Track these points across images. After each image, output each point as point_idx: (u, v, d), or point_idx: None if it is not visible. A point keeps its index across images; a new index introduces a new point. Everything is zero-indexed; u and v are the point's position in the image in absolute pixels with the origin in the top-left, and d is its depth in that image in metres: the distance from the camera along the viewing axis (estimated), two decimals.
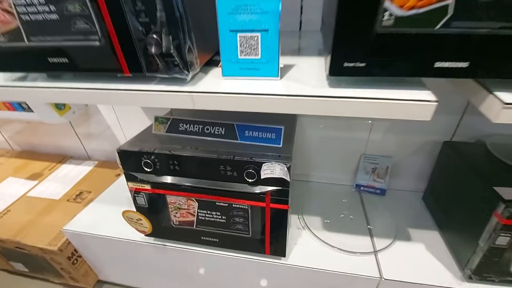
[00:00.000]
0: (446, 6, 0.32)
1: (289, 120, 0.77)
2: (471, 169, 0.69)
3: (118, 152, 0.65)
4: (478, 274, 0.65)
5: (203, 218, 0.70)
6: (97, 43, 0.45)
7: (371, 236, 0.81)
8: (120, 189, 1.04)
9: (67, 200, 1.04)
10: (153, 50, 0.42)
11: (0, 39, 0.48)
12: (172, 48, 0.42)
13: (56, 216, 0.97)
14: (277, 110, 0.44)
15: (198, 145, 0.64)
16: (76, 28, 0.44)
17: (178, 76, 0.46)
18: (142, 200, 0.71)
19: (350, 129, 0.93)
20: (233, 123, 0.65)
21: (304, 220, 0.87)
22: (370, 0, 0.34)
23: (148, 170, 0.64)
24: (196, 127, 0.67)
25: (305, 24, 0.76)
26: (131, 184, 0.69)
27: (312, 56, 0.59)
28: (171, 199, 0.69)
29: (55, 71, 0.52)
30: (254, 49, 0.45)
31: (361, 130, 0.92)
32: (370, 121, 0.90)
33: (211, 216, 0.69)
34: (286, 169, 0.57)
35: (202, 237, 0.74)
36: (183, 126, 0.68)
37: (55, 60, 0.48)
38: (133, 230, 0.77)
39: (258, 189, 0.61)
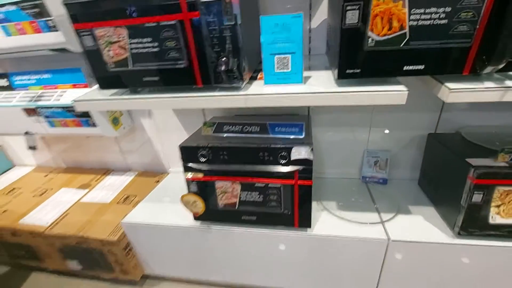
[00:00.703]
0: (405, 33, 0.56)
1: (306, 121, 0.98)
2: (450, 151, 0.89)
3: (180, 148, 0.85)
4: (465, 230, 0.83)
5: (244, 199, 0.88)
6: (182, 66, 0.67)
7: (378, 212, 0.99)
8: (162, 191, 1.23)
9: (117, 203, 1.22)
10: (222, 68, 0.64)
11: (112, 66, 0.71)
12: (234, 66, 0.65)
13: (110, 216, 1.15)
14: (303, 103, 0.66)
15: (241, 140, 0.85)
16: (169, 56, 0.67)
17: (235, 85, 0.68)
18: (195, 188, 0.90)
19: (353, 131, 1.14)
20: (265, 122, 0.86)
21: (322, 204, 1.05)
22: (359, 32, 0.57)
23: (203, 160, 0.84)
24: (237, 127, 0.88)
25: (313, 49, 1.01)
26: (187, 175, 0.88)
27: (322, 70, 0.82)
28: (218, 184, 0.88)
29: (147, 87, 0.75)
30: (286, 65, 0.68)
31: (362, 131, 1.13)
32: (369, 127, 1.12)
33: (251, 196, 0.87)
34: (309, 150, 0.77)
35: (242, 217, 0.92)
36: (226, 127, 0.89)
37: (149, 78, 0.71)
38: (183, 217, 0.95)
39: (288, 169, 0.81)
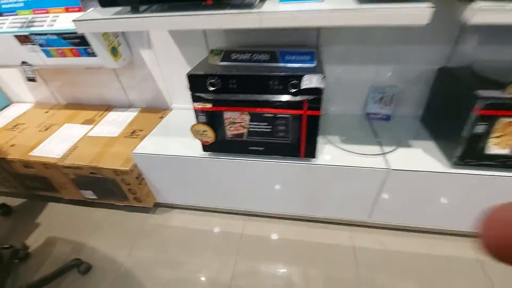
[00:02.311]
0: None
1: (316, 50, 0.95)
2: (458, 84, 0.89)
3: (188, 76, 0.83)
4: (461, 160, 0.88)
5: (253, 129, 0.90)
6: None
7: (380, 145, 1.03)
8: (168, 126, 1.24)
9: (125, 137, 1.24)
10: None
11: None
12: None
13: (120, 147, 1.18)
14: (323, 22, 0.62)
15: (250, 69, 0.82)
16: None
17: (248, 1, 0.63)
18: (203, 118, 0.91)
19: (360, 66, 1.11)
20: (275, 50, 0.83)
21: (326, 138, 1.08)
22: None
23: (212, 89, 0.83)
24: (246, 55, 0.85)
25: None
26: (196, 105, 0.88)
27: None
28: (227, 115, 0.89)
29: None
30: None
31: (369, 67, 1.10)
32: (376, 63, 1.08)
33: (259, 127, 0.89)
34: (321, 79, 0.76)
35: (250, 147, 0.95)
36: (234, 55, 0.86)
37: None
38: (192, 148, 0.98)
39: (298, 98, 0.81)
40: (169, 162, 1.07)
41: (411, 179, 0.93)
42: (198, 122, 0.92)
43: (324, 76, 0.76)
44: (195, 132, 0.93)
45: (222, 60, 0.87)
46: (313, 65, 0.81)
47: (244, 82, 0.81)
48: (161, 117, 1.34)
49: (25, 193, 1.43)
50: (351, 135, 1.10)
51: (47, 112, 1.49)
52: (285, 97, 0.82)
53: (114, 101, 1.47)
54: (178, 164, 1.07)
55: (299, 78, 0.77)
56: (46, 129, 1.35)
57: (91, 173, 1.14)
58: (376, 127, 1.15)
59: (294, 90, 0.79)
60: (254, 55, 0.85)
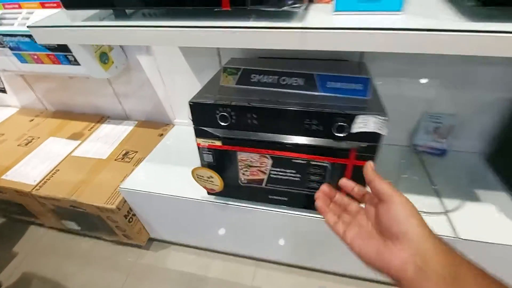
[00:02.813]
0: None
1: (365, 72, 0.70)
2: None
3: (190, 105, 0.60)
4: None
5: (275, 176, 0.67)
6: None
7: (438, 195, 0.79)
8: (168, 149, 1.02)
9: (115, 160, 1.03)
10: None
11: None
12: None
13: (107, 175, 0.97)
14: (410, 48, 0.38)
15: (276, 97, 0.59)
16: None
17: (288, 9, 0.39)
18: (210, 157, 0.68)
19: (413, 83, 0.86)
20: (312, 72, 0.59)
21: None
22: None
23: (224, 124, 0.60)
24: (271, 78, 0.62)
25: None
26: (201, 140, 0.65)
27: None
28: (242, 156, 0.66)
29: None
30: None
31: (425, 85, 0.85)
32: (434, 83, 0.83)
33: (285, 174, 0.66)
34: (381, 122, 0.52)
35: (269, 196, 0.73)
36: (255, 77, 0.63)
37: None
38: (194, 185, 0.76)
39: (344, 145, 0.57)
40: (165, 202, 0.85)
41: (487, 253, 0.69)
42: (202, 163, 0.69)
43: (387, 119, 0.52)
44: (197, 179, 0.70)
45: (238, 83, 0.64)
46: (367, 97, 0.57)
47: (268, 117, 0.58)
48: (161, 135, 1.12)
49: (3, 214, 1.24)
50: (398, 177, 0.86)
51: (31, 120, 1.29)
52: (324, 141, 0.58)
53: (108, 111, 1.26)
54: (176, 206, 0.85)
55: (349, 117, 0.54)
56: (27, 144, 1.14)
57: (71, 206, 0.94)
58: (429, 165, 0.90)
59: (341, 134, 0.55)
60: (283, 78, 0.61)
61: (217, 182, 0.69)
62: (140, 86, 1.10)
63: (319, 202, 0.40)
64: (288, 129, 0.59)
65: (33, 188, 0.95)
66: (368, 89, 0.57)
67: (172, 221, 0.95)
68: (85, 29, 0.46)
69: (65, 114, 1.30)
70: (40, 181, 0.97)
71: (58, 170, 1.01)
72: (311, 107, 0.55)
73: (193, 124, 0.63)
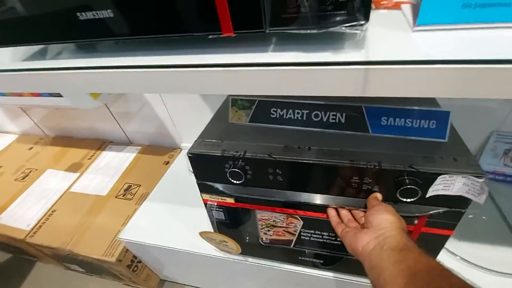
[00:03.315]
0: None
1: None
2: None
3: (190, 157, 0.45)
4: None
5: (307, 238, 0.51)
6: None
7: None
8: (174, 182, 0.88)
9: (116, 197, 0.89)
10: None
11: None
12: None
13: (107, 217, 0.84)
14: None
15: (307, 142, 0.42)
16: None
17: (342, 29, 0.22)
18: (220, 215, 0.52)
19: (478, 102, 0.66)
20: (360, 104, 0.42)
21: None
22: None
23: (237, 182, 0.44)
24: (298, 113, 0.45)
25: None
26: (207, 196, 0.50)
27: None
28: (263, 215, 0.49)
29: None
30: None
31: (493, 103, 0.65)
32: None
33: (320, 237, 0.49)
34: (475, 184, 0.34)
35: (299, 257, 0.56)
36: (276, 111, 0.46)
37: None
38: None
39: (411, 210, 0.39)
40: (173, 256, 0.71)
41: None
42: (211, 221, 0.54)
43: (484, 181, 0.34)
44: (207, 240, 0.55)
45: (252, 120, 0.47)
46: (444, 140, 0.39)
47: (298, 173, 0.41)
48: (167, 163, 0.98)
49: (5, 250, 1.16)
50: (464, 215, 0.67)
51: (30, 148, 1.19)
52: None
53: (109, 135, 1.13)
54: (187, 259, 0.71)
55: (422, 177, 0.36)
56: (24, 178, 1.04)
57: (68, 254, 0.82)
58: (500, 197, 0.70)
59: (409, 200, 0.38)
60: (316, 113, 0.44)
61: (233, 247, 0.53)
62: (139, 107, 0.96)
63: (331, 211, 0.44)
64: (326, 189, 0.42)
65: (27, 235, 0.84)
66: (446, 128, 0.39)
67: (184, 269, 0.81)
68: (22, 74, 0.31)
69: (65, 140, 1.19)
70: (35, 226, 0.85)
71: (55, 210, 0.89)
72: (360, 159, 0.38)
73: (196, 179, 0.48)
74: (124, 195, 0.90)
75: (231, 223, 0.53)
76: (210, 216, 0.54)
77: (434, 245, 0.44)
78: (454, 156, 0.37)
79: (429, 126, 0.39)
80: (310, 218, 0.46)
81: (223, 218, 0.53)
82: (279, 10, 0.22)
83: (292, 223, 0.49)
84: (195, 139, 0.49)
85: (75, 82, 0.31)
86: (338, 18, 0.21)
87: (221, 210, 0.51)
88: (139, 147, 1.07)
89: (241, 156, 0.42)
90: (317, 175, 0.40)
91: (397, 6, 0.28)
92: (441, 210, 0.38)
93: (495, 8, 0.22)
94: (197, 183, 0.48)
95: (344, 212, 0.43)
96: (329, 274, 0.58)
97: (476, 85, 0.22)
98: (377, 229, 0.34)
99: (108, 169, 1.00)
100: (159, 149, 1.04)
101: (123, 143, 1.12)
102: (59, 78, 0.32)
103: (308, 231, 0.49)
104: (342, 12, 0.21)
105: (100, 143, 1.13)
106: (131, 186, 0.92)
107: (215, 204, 0.50)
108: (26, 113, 1.16)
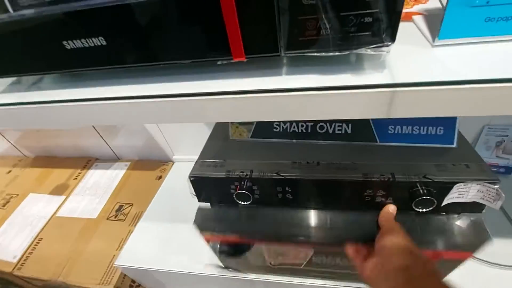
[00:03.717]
0: None
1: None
2: None
3: (192, 180, 0.42)
4: None
5: (319, 262, 0.49)
6: None
7: None
8: (169, 198, 0.84)
9: (107, 219, 0.85)
10: None
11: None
12: None
13: (100, 242, 0.79)
14: None
15: (315, 156, 0.40)
16: None
17: (367, 51, 0.20)
18: (224, 248, 0.50)
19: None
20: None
21: None
22: None
23: (245, 203, 0.42)
24: (302, 126, 0.43)
25: None
26: (208, 235, 0.47)
27: None
28: (271, 246, 0.48)
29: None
30: None
31: None
32: None
33: (333, 260, 0.48)
34: (488, 189, 0.34)
35: (310, 273, 0.55)
36: (279, 125, 0.44)
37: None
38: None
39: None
40: (175, 279, 0.68)
41: None
42: (215, 253, 0.51)
43: (499, 187, 0.34)
44: None
45: (254, 135, 0.45)
46: (453, 146, 0.39)
47: (309, 189, 0.40)
48: (160, 178, 0.94)
49: None
50: None
51: (9, 172, 1.11)
52: (398, 217, 0.40)
53: (94, 152, 1.08)
54: (189, 281, 0.68)
55: (437, 186, 0.35)
56: (4, 205, 0.97)
57: (61, 285, 0.76)
58: None
59: (424, 210, 0.37)
60: (321, 125, 0.42)
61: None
62: None
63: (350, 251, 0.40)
64: (338, 203, 0.41)
65: (14, 268, 0.78)
66: (454, 133, 0.38)
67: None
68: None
69: (47, 160, 1.12)
70: (21, 257, 0.79)
71: (42, 239, 0.84)
72: (373, 172, 0.37)
73: (199, 201, 0.45)
74: (116, 217, 0.85)
75: (236, 254, 0.51)
76: (214, 250, 0.51)
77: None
78: (466, 163, 0.36)
79: (437, 133, 0.39)
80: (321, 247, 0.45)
81: (227, 249, 0.51)
82: (297, 33, 0.20)
83: (301, 252, 0.47)
84: (189, 151, 0.46)
85: (63, 116, 0.28)
86: (362, 40, 0.20)
87: (224, 245, 0.49)
88: (128, 162, 1.03)
89: (247, 176, 0.39)
90: (329, 191, 0.39)
91: (408, 18, 0.27)
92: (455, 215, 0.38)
93: None
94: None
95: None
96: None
97: (504, 103, 0.21)
98: (379, 253, 0.34)
99: (96, 189, 0.95)
100: (149, 164, 1.00)
101: (111, 159, 1.06)
102: (44, 112, 0.28)
103: (319, 256, 0.48)
104: (367, 33, 0.19)
105: (86, 161, 1.07)
106: (123, 206, 0.88)
107: (218, 241, 0.48)
108: (1, 134, 1.08)
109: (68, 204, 0.92)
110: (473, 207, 0.36)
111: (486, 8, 0.21)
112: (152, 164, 1.00)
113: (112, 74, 0.29)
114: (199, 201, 0.45)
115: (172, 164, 0.99)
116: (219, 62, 0.23)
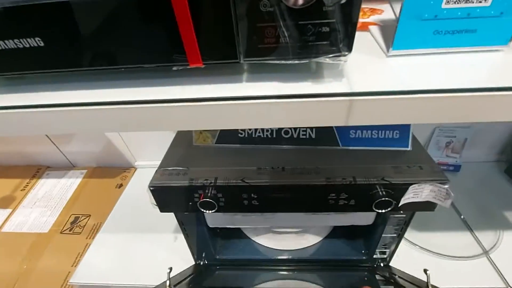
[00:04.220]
0: None
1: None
2: None
3: (152, 190, 0.40)
4: None
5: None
6: None
7: (469, 228, 0.67)
8: (131, 208, 0.80)
9: (61, 232, 0.78)
10: None
11: None
12: None
13: (53, 258, 0.72)
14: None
15: (280, 161, 0.40)
16: None
17: (325, 60, 0.21)
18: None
19: None
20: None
21: None
22: None
23: (209, 211, 0.40)
24: (268, 131, 0.43)
25: None
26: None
27: None
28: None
29: None
30: None
31: None
32: None
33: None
34: (439, 189, 0.36)
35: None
36: (245, 131, 0.43)
37: None
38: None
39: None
40: None
41: None
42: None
43: (448, 187, 0.36)
44: None
45: (219, 141, 0.44)
46: (407, 148, 0.41)
47: (274, 195, 0.40)
48: (120, 186, 0.89)
49: None
50: None
51: None
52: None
53: (45, 159, 0.98)
54: None
55: (394, 187, 0.37)
56: None
57: None
58: None
59: (384, 210, 0.39)
60: (286, 130, 0.42)
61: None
62: None
63: None
64: (303, 207, 0.41)
65: None
66: (408, 137, 0.41)
67: None
68: None
69: None
70: None
71: None
72: (335, 176, 0.37)
73: (161, 211, 0.43)
74: (71, 229, 0.78)
75: None
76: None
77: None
78: (419, 164, 0.38)
79: (393, 137, 0.41)
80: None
81: None
82: (256, 40, 0.19)
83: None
84: (152, 156, 0.44)
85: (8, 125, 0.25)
86: (320, 49, 0.20)
87: None
88: (84, 170, 0.95)
89: (212, 184, 0.38)
90: (294, 196, 0.39)
91: (364, 27, 0.28)
92: (409, 213, 0.40)
93: (463, 34, 0.22)
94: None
95: None
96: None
97: (450, 111, 0.22)
98: None
99: (48, 200, 0.87)
100: (109, 171, 0.94)
101: (64, 167, 0.98)
102: None
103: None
104: (325, 42, 0.19)
105: (35, 170, 0.97)
106: (78, 217, 0.81)
107: None
108: None
109: (14, 218, 0.83)
110: (426, 206, 0.39)
111: (434, 22, 0.22)
112: (112, 171, 0.93)
113: (58, 78, 0.26)
114: (161, 211, 0.43)
115: (134, 171, 0.94)
116: (174, 68, 0.21)
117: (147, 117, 0.23)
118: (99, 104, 0.23)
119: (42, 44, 0.20)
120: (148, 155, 0.91)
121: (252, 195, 0.39)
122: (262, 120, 0.23)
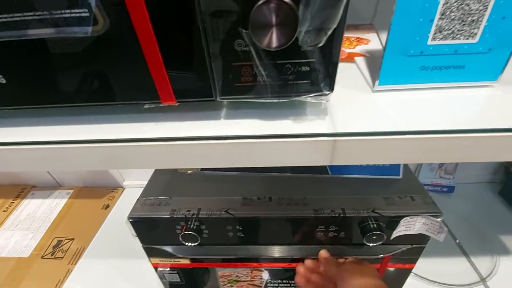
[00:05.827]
0: None
1: None
2: None
3: (131, 222, 0.37)
4: None
5: (276, 286, 0.47)
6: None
7: (465, 254, 0.65)
8: (117, 230, 0.76)
9: (42, 257, 0.74)
10: (273, 41, 0.15)
11: None
12: (324, 35, 0.16)
13: (32, 285, 0.68)
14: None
15: (267, 190, 0.39)
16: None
17: (306, 99, 0.19)
18: (175, 277, 0.45)
19: None
20: None
21: None
22: None
23: (192, 244, 0.38)
24: None
25: None
26: (157, 260, 0.43)
27: None
28: (224, 272, 0.44)
29: None
30: (471, 23, 0.20)
31: None
32: None
33: (288, 285, 0.46)
34: (432, 222, 0.35)
35: None
36: None
37: None
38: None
39: (376, 251, 0.39)
40: None
41: None
42: (163, 280, 0.46)
43: (442, 219, 0.35)
44: None
45: (203, 168, 0.42)
46: (399, 177, 0.40)
47: (260, 228, 0.38)
48: (107, 207, 0.86)
49: None
50: None
51: None
52: (348, 249, 0.39)
53: (31, 178, 0.95)
54: None
55: (385, 220, 0.35)
56: None
57: None
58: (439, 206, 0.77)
59: (374, 244, 0.37)
60: None
61: None
62: None
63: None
64: (291, 240, 0.39)
65: None
66: (399, 165, 0.39)
67: None
68: None
69: None
70: None
71: None
72: (324, 207, 0.36)
73: (141, 243, 0.41)
74: (53, 254, 0.74)
75: (188, 285, 0.47)
76: (163, 281, 0.46)
77: (399, 278, 0.44)
78: (411, 195, 0.37)
79: (384, 165, 0.39)
80: (277, 269, 0.43)
81: (178, 280, 0.46)
82: (232, 79, 0.18)
83: (257, 275, 0.45)
84: (141, 175, 0.42)
85: None
86: (300, 88, 0.19)
87: (175, 272, 0.44)
88: (70, 190, 0.92)
89: (194, 215, 0.36)
90: (282, 228, 0.37)
91: (350, 58, 0.27)
92: (403, 247, 0.38)
93: (451, 70, 0.22)
94: (143, 248, 0.41)
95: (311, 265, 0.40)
96: None
97: (437, 152, 0.21)
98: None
99: (30, 222, 0.83)
100: (96, 191, 0.91)
101: (50, 186, 0.95)
102: None
103: (275, 281, 0.45)
104: (305, 81, 0.18)
105: (20, 190, 0.94)
106: (61, 241, 0.77)
107: (168, 268, 0.43)
108: None
109: None
110: (419, 239, 0.37)
111: (420, 58, 0.22)
112: (99, 191, 0.90)
113: (28, 113, 0.25)
114: (142, 243, 0.40)
115: (122, 191, 0.91)
116: (146, 106, 0.20)
117: (119, 155, 0.22)
118: (68, 143, 0.21)
119: (4, 81, 0.19)
120: (136, 174, 0.89)
121: (237, 227, 0.37)
122: (242, 159, 0.21)
